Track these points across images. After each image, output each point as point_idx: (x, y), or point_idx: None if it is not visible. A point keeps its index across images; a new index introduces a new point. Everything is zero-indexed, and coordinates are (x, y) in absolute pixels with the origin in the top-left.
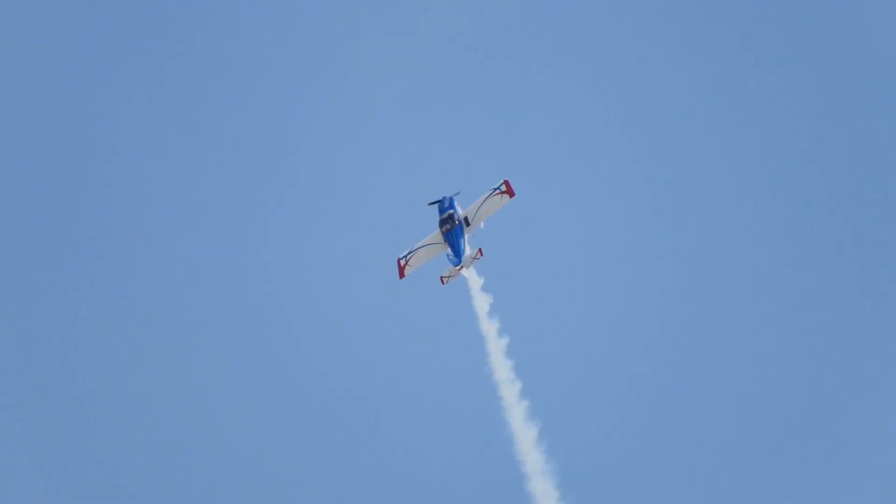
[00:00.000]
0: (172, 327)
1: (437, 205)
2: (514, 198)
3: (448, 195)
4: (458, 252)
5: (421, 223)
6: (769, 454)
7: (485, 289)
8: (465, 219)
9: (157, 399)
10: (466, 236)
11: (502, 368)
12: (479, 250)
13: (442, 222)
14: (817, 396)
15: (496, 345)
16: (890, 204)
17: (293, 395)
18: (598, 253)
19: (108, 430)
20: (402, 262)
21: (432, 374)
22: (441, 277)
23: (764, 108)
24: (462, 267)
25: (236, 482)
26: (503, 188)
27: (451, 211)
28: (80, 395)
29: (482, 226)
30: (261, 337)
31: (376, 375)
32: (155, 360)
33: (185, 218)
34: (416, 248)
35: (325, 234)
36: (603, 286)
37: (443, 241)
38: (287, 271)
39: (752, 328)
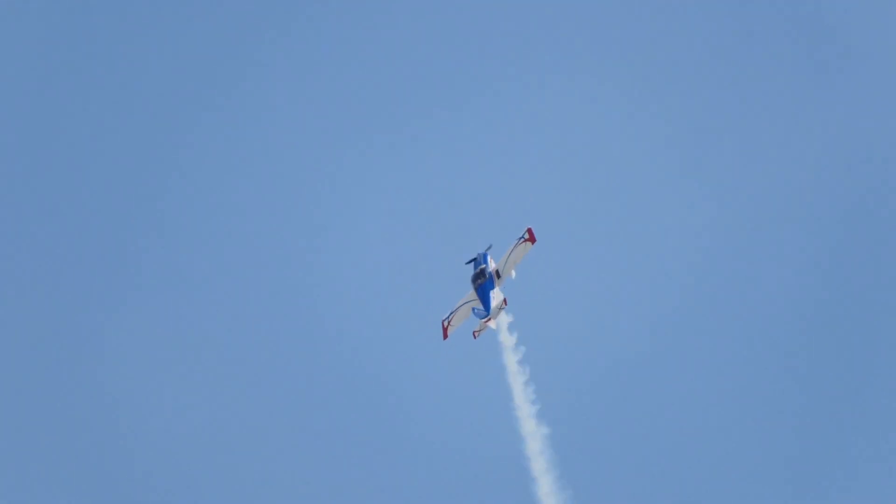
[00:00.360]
0: (241, 359)
1: (472, 263)
2: (536, 243)
3: (481, 251)
4: (486, 305)
5: (456, 276)
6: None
7: (511, 328)
8: (496, 272)
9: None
10: (496, 288)
11: (528, 418)
12: (504, 300)
13: (475, 277)
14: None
15: (522, 390)
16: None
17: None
18: (616, 278)
19: (136, 435)
20: (446, 324)
21: (465, 425)
22: (473, 332)
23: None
24: (490, 318)
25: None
26: (526, 236)
27: (484, 266)
28: (106, 400)
29: (513, 275)
30: (305, 376)
31: (415, 427)
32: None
33: (236, 257)
34: (456, 308)
35: (370, 282)
36: (620, 312)
37: (476, 296)
38: (334, 317)
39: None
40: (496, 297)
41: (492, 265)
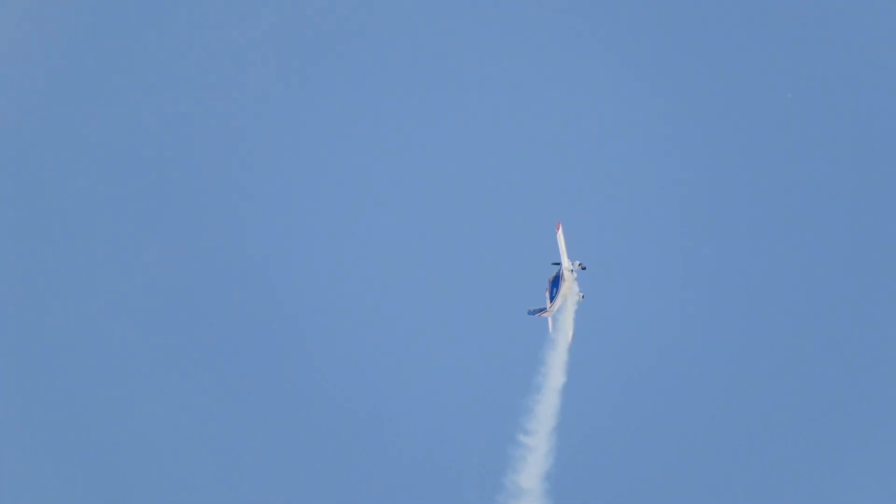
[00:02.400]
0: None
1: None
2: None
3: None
4: (550, 297)
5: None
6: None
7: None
8: (562, 273)
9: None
10: (561, 287)
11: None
12: (581, 295)
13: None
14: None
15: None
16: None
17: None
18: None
19: (110, 430)
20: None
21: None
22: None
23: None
24: (545, 312)
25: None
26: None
27: (559, 271)
28: (84, 396)
29: (577, 265)
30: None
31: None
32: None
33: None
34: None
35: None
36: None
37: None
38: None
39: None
40: (559, 298)
41: (566, 265)
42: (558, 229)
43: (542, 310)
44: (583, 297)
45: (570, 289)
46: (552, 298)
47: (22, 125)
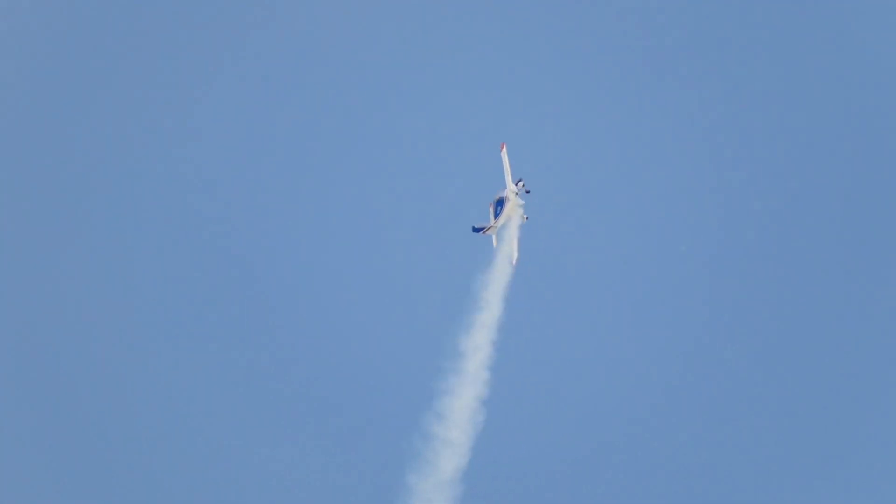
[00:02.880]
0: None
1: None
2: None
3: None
4: (495, 215)
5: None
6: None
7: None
8: (506, 197)
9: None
10: (505, 207)
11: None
12: (525, 217)
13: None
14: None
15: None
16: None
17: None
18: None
19: (107, 428)
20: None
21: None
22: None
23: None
24: (490, 228)
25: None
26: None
27: (503, 193)
28: (80, 394)
29: (520, 186)
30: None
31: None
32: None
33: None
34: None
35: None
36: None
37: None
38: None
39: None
40: (502, 217)
41: (510, 187)
42: (502, 149)
43: (487, 227)
44: (527, 218)
45: (513, 210)
46: (496, 216)
47: (21, 124)
